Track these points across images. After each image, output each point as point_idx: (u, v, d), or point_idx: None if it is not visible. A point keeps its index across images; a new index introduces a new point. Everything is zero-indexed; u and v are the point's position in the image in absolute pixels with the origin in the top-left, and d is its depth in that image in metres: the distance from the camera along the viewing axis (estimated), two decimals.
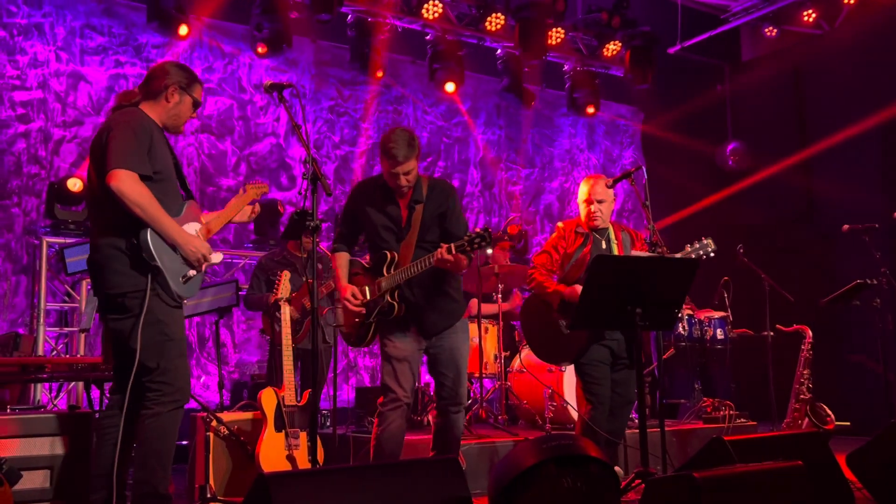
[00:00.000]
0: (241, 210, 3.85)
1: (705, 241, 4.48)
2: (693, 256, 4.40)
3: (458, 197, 4.24)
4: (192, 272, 3.46)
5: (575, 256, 4.54)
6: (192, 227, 3.51)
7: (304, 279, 5.47)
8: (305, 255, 5.66)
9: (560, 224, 4.77)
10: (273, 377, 5.52)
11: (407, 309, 4.03)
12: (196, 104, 3.60)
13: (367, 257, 4.25)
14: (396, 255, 4.05)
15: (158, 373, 3.33)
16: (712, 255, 4.46)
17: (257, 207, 3.96)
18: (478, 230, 3.78)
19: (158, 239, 3.30)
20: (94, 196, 3.42)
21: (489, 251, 7.09)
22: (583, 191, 4.66)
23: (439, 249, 3.80)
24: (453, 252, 3.78)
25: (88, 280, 6.66)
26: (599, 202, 4.57)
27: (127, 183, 3.21)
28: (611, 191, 4.59)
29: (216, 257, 3.59)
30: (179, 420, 3.42)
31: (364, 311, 4.08)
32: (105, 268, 3.32)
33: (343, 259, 4.19)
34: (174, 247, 3.36)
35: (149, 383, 3.33)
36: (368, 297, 4.06)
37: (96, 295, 3.44)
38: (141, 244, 3.28)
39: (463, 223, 4.11)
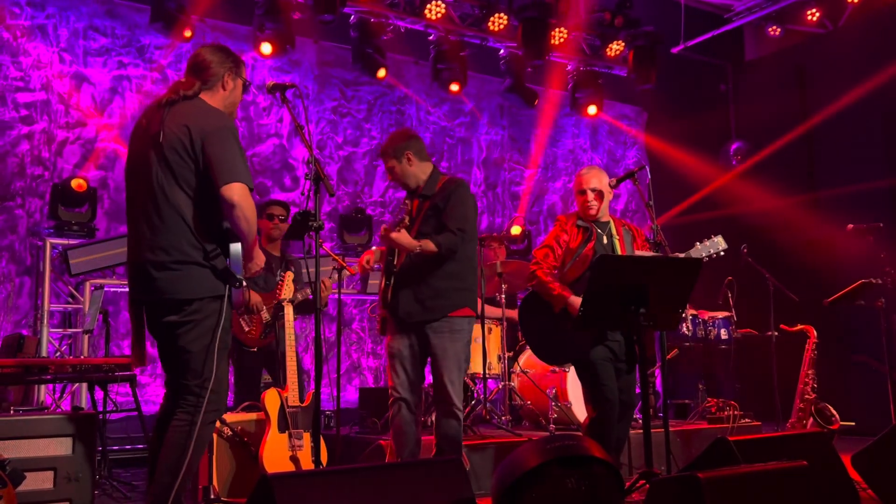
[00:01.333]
0: None
1: (715, 239, 4.46)
2: (703, 255, 4.39)
3: (461, 192, 4.24)
4: (245, 282, 3.43)
5: (578, 253, 4.47)
6: None
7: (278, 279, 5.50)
8: (279, 255, 5.65)
9: (561, 217, 4.70)
10: (241, 381, 5.49)
11: (391, 299, 4.19)
12: (246, 86, 3.58)
13: None
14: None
15: (207, 380, 3.21)
16: (722, 253, 4.45)
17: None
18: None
19: (239, 254, 3.32)
20: (162, 195, 3.22)
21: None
22: (575, 184, 4.65)
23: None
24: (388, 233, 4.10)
25: (92, 281, 6.70)
26: (593, 190, 4.51)
27: (245, 199, 3.18)
28: (605, 181, 4.55)
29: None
30: (213, 430, 3.40)
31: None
32: (176, 271, 3.20)
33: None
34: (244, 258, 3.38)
35: (195, 388, 3.22)
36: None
37: (148, 297, 3.27)
38: (232, 257, 3.27)
39: (456, 216, 4.15)
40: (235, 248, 3.30)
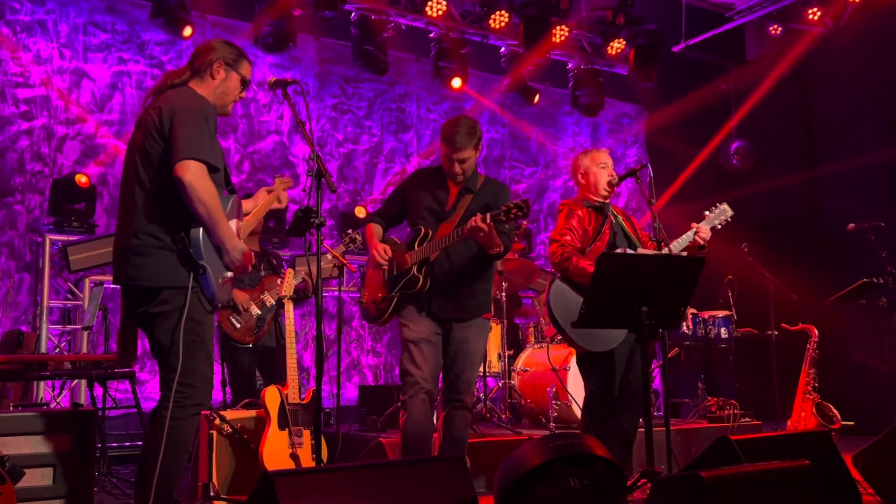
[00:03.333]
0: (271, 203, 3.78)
1: (722, 206, 4.52)
2: (715, 223, 4.47)
3: (509, 195, 4.16)
4: (229, 274, 3.33)
5: (599, 232, 4.40)
6: (232, 225, 3.37)
7: (263, 275, 5.52)
8: (258, 250, 5.64)
9: (566, 201, 4.61)
10: (235, 378, 5.49)
11: (429, 287, 3.99)
12: (244, 82, 3.44)
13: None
14: (431, 232, 4.03)
15: (183, 374, 3.15)
16: (729, 220, 4.52)
17: (284, 199, 3.86)
18: (516, 201, 3.72)
19: (208, 238, 3.17)
20: (137, 179, 3.19)
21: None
22: (592, 158, 4.56)
23: (474, 217, 3.75)
24: (488, 221, 3.72)
25: (91, 278, 6.69)
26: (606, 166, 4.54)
27: (199, 177, 3.04)
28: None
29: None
30: (197, 424, 3.28)
31: (386, 280, 4.07)
32: (144, 257, 3.13)
33: (375, 228, 4.21)
34: (219, 249, 3.23)
35: (169, 381, 3.18)
36: (389, 255, 4.07)
37: (120, 283, 3.23)
38: (191, 241, 3.13)
39: (505, 230, 4.01)
40: (195, 232, 3.14)
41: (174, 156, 3.07)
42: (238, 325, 5.37)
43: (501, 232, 3.90)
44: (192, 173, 3.04)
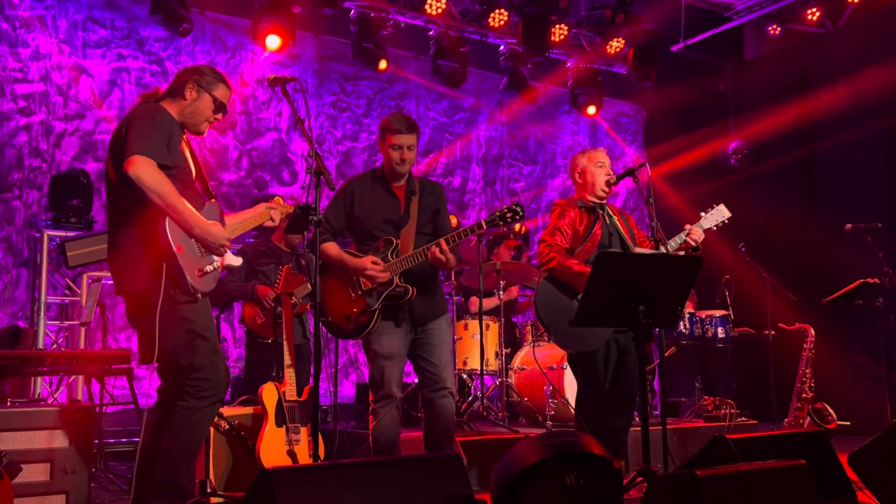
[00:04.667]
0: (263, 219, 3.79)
1: (718, 208, 4.56)
2: (711, 225, 4.52)
3: (445, 196, 4.34)
4: (210, 267, 3.36)
5: (589, 233, 4.43)
6: None
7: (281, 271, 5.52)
8: (289, 250, 5.67)
9: (560, 201, 4.63)
10: (254, 371, 5.51)
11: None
12: (218, 105, 3.48)
13: (353, 248, 4.25)
14: (396, 241, 4.09)
15: (193, 370, 3.25)
16: (726, 221, 4.56)
17: (277, 219, 3.86)
18: (508, 205, 3.88)
19: (176, 228, 3.21)
20: (111, 190, 3.34)
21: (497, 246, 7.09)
22: (589, 158, 4.60)
23: (434, 246, 3.91)
24: (445, 248, 3.90)
25: (89, 274, 6.68)
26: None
27: (144, 169, 3.11)
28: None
29: (235, 260, 3.55)
30: (213, 417, 3.35)
31: (360, 294, 4.07)
32: (123, 267, 3.25)
33: (334, 246, 4.19)
34: (192, 238, 3.27)
35: (185, 381, 3.26)
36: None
37: (119, 294, 3.36)
38: (158, 230, 3.17)
39: (448, 225, 4.22)
40: (161, 223, 3.18)
41: (121, 157, 3.16)
42: (259, 320, 5.44)
43: (453, 250, 4.01)
44: (137, 166, 3.11)
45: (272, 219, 3.81)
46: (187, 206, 3.23)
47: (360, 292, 4.08)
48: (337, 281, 4.13)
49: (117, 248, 3.29)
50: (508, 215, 3.95)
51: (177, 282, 3.22)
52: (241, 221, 3.69)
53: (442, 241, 3.92)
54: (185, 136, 3.46)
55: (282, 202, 3.91)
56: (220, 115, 3.52)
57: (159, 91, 3.48)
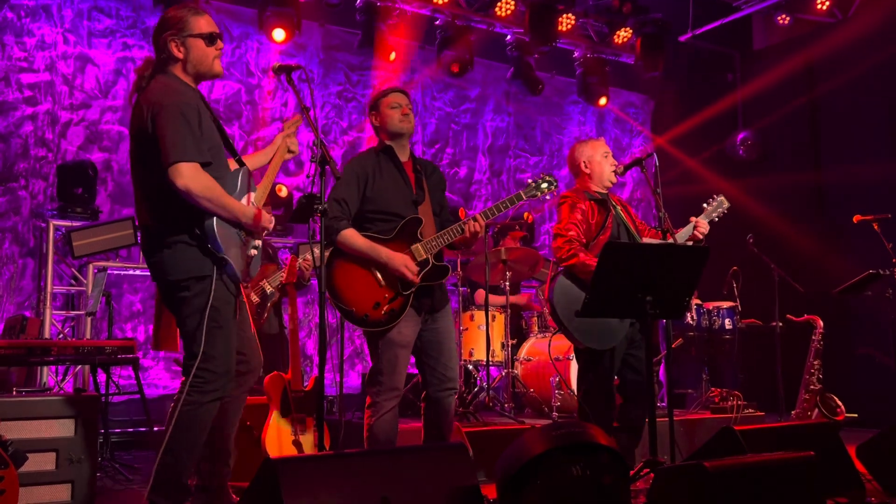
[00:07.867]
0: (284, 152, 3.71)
1: (719, 199, 4.55)
2: (713, 216, 4.51)
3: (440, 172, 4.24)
4: (254, 251, 3.36)
5: (603, 226, 4.37)
6: (244, 201, 3.37)
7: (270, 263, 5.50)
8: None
9: (568, 192, 4.53)
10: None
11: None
12: (209, 39, 3.32)
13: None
14: (420, 218, 3.88)
15: (203, 360, 3.18)
16: (726, 212, 4.57)
17: (294, 147, 3.81)
18: (543, 175, 3.86)
19: (224, 227, 3.18)
20: (145, 188, 3.24)
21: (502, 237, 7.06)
22: (594, 149, 4.58)
23: (472, 221, 3.77)
24: (482, 223, 3.78)
25: (95, 263, 6.68)
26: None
27: (190, 176, 3.05)
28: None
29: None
30: (216, 412, 3.27)
31: (389, 279, 3.80)
32: (165, 256, 3.19)
33: (358, 234, 3.81)
34: (237, 226, 3.25)
35: (193, 369, 3.20)
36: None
37: (155, 281, 3.31)
38: (207, 234, 3.14)
39: (446, 203, 4.12)
40: (209, 223, 3.15)
41: (163, 162, 3.07)
42: (259, 310, 5.42)
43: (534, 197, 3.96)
44: (184, 177, 3.05)
45: (290, 150, 3.76)
46: (233, 201, 3.22)
47: (388, 277, 3.79)
48: (357, 266, 3.79)
49: (159, 240, 3.20)
50: (544, 185, 3.83)
51: (227, 276, 3.24)
52: (267, 177, 3.59)
53: (478, 215, 3.76)
54: (203, 100, 3.36)
55: (289, 122, 3.84)
56: (220, 45, 3.38)
57: (150, 60, 3.33)
